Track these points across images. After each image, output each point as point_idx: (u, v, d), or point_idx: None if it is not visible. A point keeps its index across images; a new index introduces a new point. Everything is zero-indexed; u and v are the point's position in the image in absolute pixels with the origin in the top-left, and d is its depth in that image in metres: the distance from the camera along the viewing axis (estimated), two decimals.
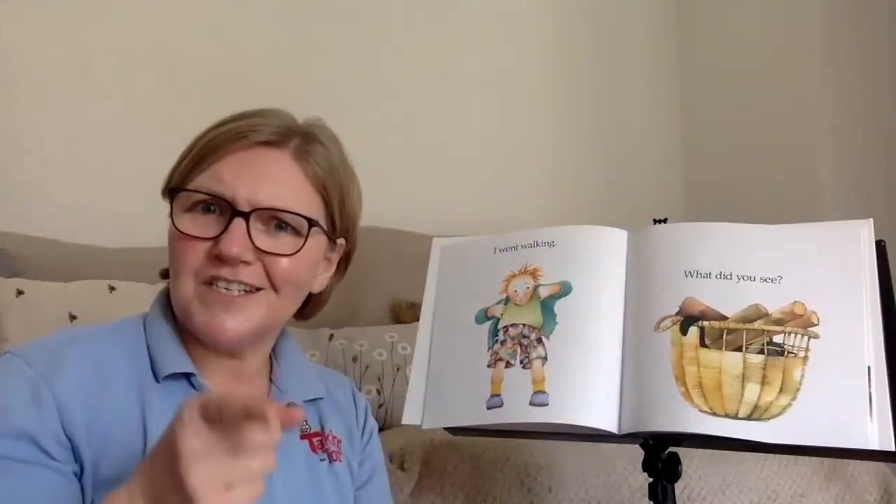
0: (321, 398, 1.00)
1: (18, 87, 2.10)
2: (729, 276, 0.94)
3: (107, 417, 0.81)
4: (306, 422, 0.96)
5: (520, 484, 1.34)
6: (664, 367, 0.92)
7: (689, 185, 2.99)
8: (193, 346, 0.89)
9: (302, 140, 0.92)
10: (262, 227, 0.87)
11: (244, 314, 0.86)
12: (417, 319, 1.08)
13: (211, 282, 0.86)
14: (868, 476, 1.51)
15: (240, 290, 0.86)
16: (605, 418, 0.93)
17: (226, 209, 0.86)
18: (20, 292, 1.63)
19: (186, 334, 0.90)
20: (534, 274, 1.02)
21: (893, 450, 0.84)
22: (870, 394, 0.86)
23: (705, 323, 0.93)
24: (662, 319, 0.94)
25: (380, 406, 1.77)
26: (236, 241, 0.84)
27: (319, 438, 0.97)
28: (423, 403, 1.02)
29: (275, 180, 0.88)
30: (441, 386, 1.02)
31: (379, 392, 1.79)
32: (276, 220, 0.88)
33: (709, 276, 0.95)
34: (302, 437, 0.95)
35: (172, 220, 0.87)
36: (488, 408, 0.98)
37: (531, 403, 0.95)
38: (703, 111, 2.95)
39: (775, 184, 2.58)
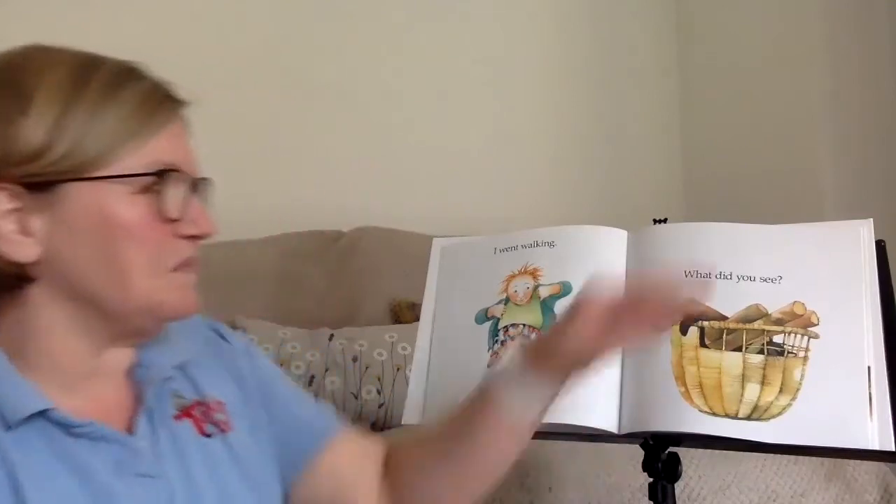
0: (187, 360, 0.85)
1: None
2: (729, 277, 0.94)
3: None
4: (179, 395, 0.82)
5: (520, 484, 1.34)
6: (664, 368, 0.92)
7: (689, 185, 2.99)
8: (34, 371, 0.74)
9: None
10: None
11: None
12: (417, 319, 1.08)
13: (185, 265, 0.77)
14: (868, 476, 1.51)
15: None
16: (605, 418, 0.93)
17: (179, 184, 0.76)
18: None
19: (23, 360, 0.74)
20: (534, 274, 1.02)
21: (893, 450, 0.84)
22: (870, 394, 0.86)
23: (705, 323, 0.93)
24: None
25: (380, 406, 1.77)
26: (209, 216, 0.78)
27: (202, 409, 0.83)
28: (424, 403, 1.02)
29: (190, 145, 0.80)
30: (441, 386, 1.02)
31: (379, 392, 1.79)
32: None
33: (708, 276, 0.95)
34: (180, 418, 0.81)
35: (126, 206, 0.73)
36: None
37: None
38: (703, 111, 2.95)
39: (775, 184, 2.58)
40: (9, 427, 0.70)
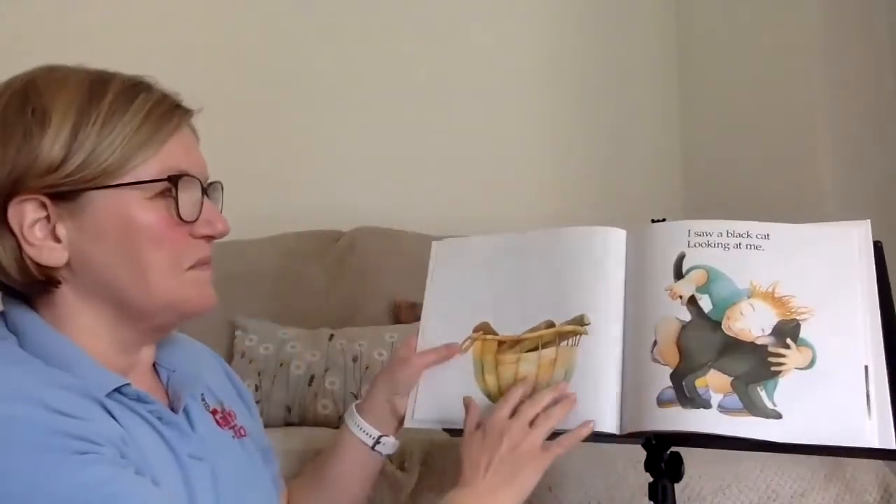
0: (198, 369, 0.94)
1: None
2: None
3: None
4: (204, 398, 0.91)
5: None
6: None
7: (687, 185, 2.99)
8: (100, 356, 0.81)
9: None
10: None
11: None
12: (417, 319, 1.08)
13: (201, 264, 0.83)
14: (868, 476, 1.51)
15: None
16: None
17: (194, 187, 0.82)
18: None
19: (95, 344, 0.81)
20: None
21: (894, 448, 0.84)
22: (867, 393, 0.86)
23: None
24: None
25: None
26: (223, 217, 0.85)
27: (221, 415, 0.92)
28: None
29: (198, 148, 0.87)
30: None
31: None
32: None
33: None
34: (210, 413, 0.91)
35: (147, 210, 0.79)
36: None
37: None
38: (702, 111, 2.95)
39: (774, 184, 2.58)
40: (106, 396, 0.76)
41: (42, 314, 0.81)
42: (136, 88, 0.82)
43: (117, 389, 0.78)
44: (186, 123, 0.84)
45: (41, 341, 0.78)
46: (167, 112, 0.82)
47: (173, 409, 0.85)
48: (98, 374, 0.78)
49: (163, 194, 0.80)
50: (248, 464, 0.91)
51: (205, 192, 0.83)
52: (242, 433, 0.93)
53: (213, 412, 0.91)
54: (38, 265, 0.78)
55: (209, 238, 0.84)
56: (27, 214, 0.77)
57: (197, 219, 0.82)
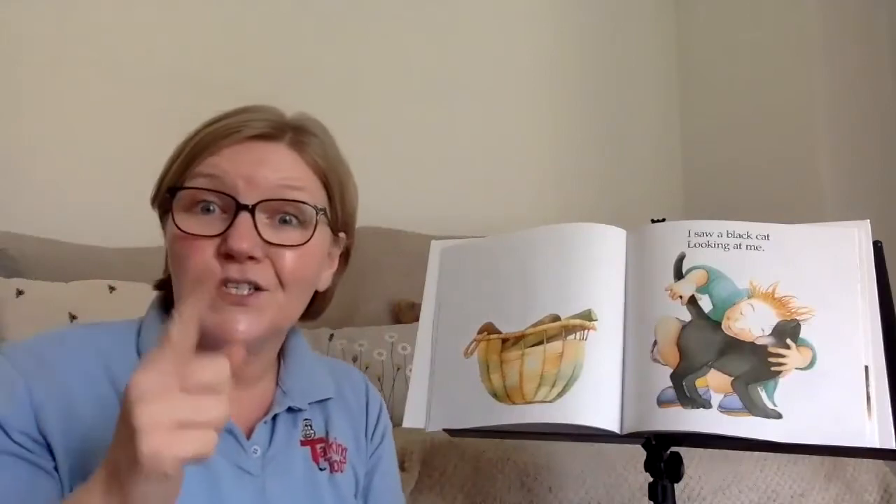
0: (329, 398, 0.96)
1: (20, 88, 2.10)
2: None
3: (92, 424, 0.77)
4: (310, 426, 0.92)
5: (520, 484, 1.34)
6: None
7: (687, 185, 2.99)
8: None
9: (295, 132, 0.89)
10: (268, 220, 0.83)
11: (257, 315, 0.82)
12: (417, 319, 1.08)
13: (221, 285, 0.81)
14: (868, 476, 1.51)
15: (250, 289, 0.82)
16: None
17: (228, 205, 0.82)
18: (20, 292, 1.64)
19: None
20: None
21: (894, 448, 0.84)
22: (868, 392, 0.86)
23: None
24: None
25: None
26: (244, 235, 0.80)
27: (322, 446, 0.93)
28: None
29: (276, 170, 0.85)
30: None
31: (379, 392, 1.79)
32: (281, 213, 0.84)
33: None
34: (303, 444, 0.91)
35: (174, 222, 0.83)
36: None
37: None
38: (703, 110, 2.95)
39: (774, 184, 2.58)
40: None
41: None
42: (227, 114, 0.88)
43: None
44: (248, 144, 0.85)
45: (148, 321, 0.88)
46: (225, 131, 0.85)
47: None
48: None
49: (191, 207, 0.83)
50: (325, 498, 0.90)
51: (244, 208, 0.81)
52: (338, 468, 0.92)
53: (315, 441, 0.92)
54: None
55: (229, 257, 0.81)
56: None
57: (220, 234, 0.81)
